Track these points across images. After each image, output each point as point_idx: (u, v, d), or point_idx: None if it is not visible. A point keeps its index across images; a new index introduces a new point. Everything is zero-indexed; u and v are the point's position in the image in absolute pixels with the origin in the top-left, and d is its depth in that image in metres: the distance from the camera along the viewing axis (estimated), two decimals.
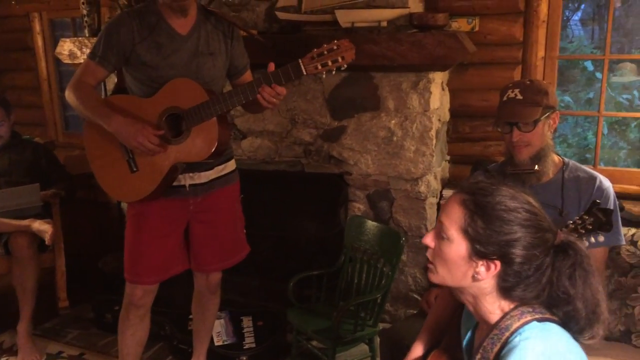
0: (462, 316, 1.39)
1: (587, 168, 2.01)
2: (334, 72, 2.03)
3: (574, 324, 1.16)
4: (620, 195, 2.01)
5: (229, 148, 2.35)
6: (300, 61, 2.01)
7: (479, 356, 1.19)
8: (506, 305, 1.19)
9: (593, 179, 1.94)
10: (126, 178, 2.18)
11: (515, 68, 3.01)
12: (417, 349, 1.60)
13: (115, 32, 2.11)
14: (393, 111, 2.88)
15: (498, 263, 1.16)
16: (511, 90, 1.93)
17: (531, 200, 1.20)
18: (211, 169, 2.26)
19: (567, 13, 2.86)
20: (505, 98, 1.94)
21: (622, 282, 2.09)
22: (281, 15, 2.93)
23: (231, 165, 2.37)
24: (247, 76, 2.34)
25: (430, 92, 2.80)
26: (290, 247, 3.26)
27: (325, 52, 2.00)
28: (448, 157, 3.24)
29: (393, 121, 2.89)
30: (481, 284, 1.19)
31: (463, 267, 1.19)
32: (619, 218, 1.93)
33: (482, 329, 1.24)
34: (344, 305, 2.48)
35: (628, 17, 5.31)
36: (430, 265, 1.25)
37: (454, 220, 1.19)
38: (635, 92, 5.26)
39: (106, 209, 3.99)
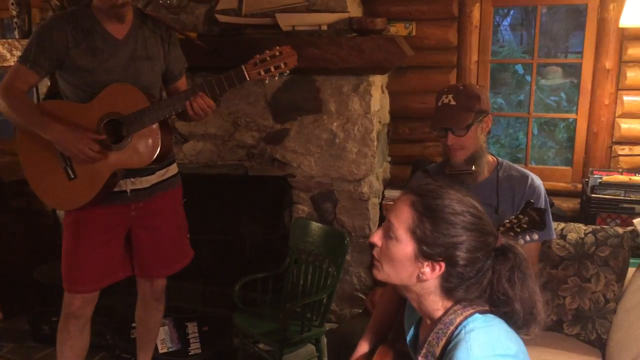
0: (404, 312, 1.44)
1: (520, 167, 2.11)
2: (276, 78, 2.06)
3: (512, 324, 1.22)
4: (550, 192, 2.13)
5: (170, 152, 2.32)
6: (243, 67, 2.02)
7: (424, 351, 1.22)
8: (449, 303, 1.23)
9: (525, 177, 2.04)
10: (64, 186, 2.11)
11: (450, 71, 3.13)
12: (363, 346, 1.64)
13: (48, 36, 2.04)
14: (335, 114, 2.92)
15: (443, 264, 1.19)
16: (445, 95, 1.99)
17: (476, 204, 1.24)
18: (153, 173, 2.22)
19: (497, 19, 3.00)
20: (440, 103, 2.00)
21: (553, 274, 2.21)
22: (221, 18, 2.92)
23: (173, 170, 2.34)
24: (182, 81, 2.32)
25: (371, 95, 2.87)
26: (234, 251, 3.25)
27: (268, 58, 2.02)
28: (389, 158, 3.31)
29: (335, 123, 2.93)
30: (425, 283, 1.22)
31: (409, 267, 1.22)
32: (550, 214, 2.04)
33: (426, 324, 1.28)
34: (290, 306, 2.49)
35: (553, 22, 5.60)
36: (377, 263, 1.27)
37: (403, 221, 1.22)
38: (563, 94, 5.55)
39: (41, 216, 3.83)
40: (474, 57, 3.10)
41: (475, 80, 3.12)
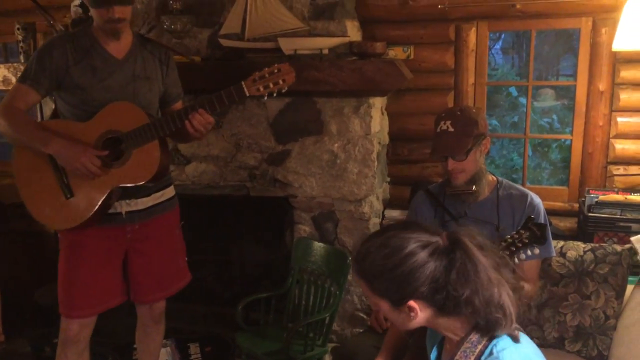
0: (426, 332, 1.45)
1: (519, 186, 2.16)
2: (275, 95, 2.10)
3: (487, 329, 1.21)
4: (548, 212, 2.17)
5: (168, 174, 2.35)
6: (242, 83, 2.06)
7: None
8: (458, 321, 1.24)
9: (525, 195, 2.09)
10: (60, 204, 2.12)
11: (448, 93, 3.19)
12: None
13: (48, 55, 2.08)
14: (336, 135, 2.97)
15: (414, 303, 1.21)
16: (443, 122, 2.03)
17: (402, 232, 1.24)
18: (148, 195, 2.24)
19: (489, 43, 3.08)
20: (438, 129, 2.04)
21: (554, 291, 2.24)
22: (224, 42, 2.98)
23: (169, 192, 2.35)
24: (178, 105, 2.35)
25: (371, 117, 2.92)
26: (236, 272, 3.27)
27: (267, 75, 2.07)
28: (388, 179, 3.36)
29: (336, 144, 2.98)
30: (421, 318, 1.24)
31: (398, 317, 1.27)
32: (549, 231, 2.09)
33: (450, 342, 1.30)
34: (293, 326, 2.51)
35: (544, 45, 5.73)
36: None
37: (365, 290, 1.29)
38: (555, 116, 5.66)
39: (42, 238, 3.84)
40: (471, 80, 3.17)
41: (472, 102, 3.19)
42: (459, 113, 2.04)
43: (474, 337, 1.22)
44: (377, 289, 1.24)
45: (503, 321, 1.19)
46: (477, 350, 1.21)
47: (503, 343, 1.20)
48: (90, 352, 2.89)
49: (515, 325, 1.23)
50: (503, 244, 1.77)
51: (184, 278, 2.45)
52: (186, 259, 2.46)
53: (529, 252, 1.80)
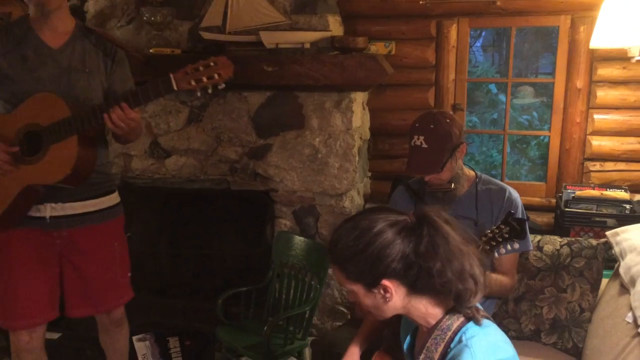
0: (400, 321, 1.47)
1: (497, 181, 2.18)
2: (210, 90, 1.90)
3: (457, 300, 1.23)
4: (526, 207, 2.19)
5: (107, 180, 2.20)
6: (171, 75, 1.87)
7: (422, 356, 1.26)
8: (431, 303, 1.26)
9: (503, 190, 2.11)
10: None
11: (429, 89, 3.21)
12: (353, 350, 1.68)
13: None
14: (317, 129, 2.98)
15: (387, 282, 1.23)
16: (417, 136, 2.00)
17: (370, 214, 1.27)
18: (79, 200, 2.08)
19: (470, 40, 3.11)
20: (412, 144, 2.02)
21: (530, 284, 2.28)
22: (205, 35, 2.96)
23: (110, 200, 2.19)
24: None
25: (352, 112, 2.93)
26: (216, 266, 3.26)
27: (201, 68, 1.87)
28: (369, 174, 3.38)
29: (317, 139, 2.98)
30: (396, 300, 1.26)
31: (377, 301, 1.27)
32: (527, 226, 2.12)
33: (422, 331, 1.32)
34: (273, 320, 2.51)
35: (523, 43, 5.79)
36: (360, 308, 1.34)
37: (339, 277, 1.30)
38: (534, 113, 5.72)
39: None
40: (452, 76, 3.20)
41: (452, 98, 3.22)
42: (432, 127, 2.00)
43: (445, 323, 1.25)
44: (351, 272, 1.26)
45: (475, 290, 1.22)
46: (447, 337, 1.23)
47: (472, 330, 1.22)
48: (66, 348, 2.84)
49: (481, 309, 1.27)
50: (483, 238, 1.79)
51: (123, 296, 2.27)
52: (129, 274, 2.30)
53: (508, 247, 1.82)
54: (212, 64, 1.87)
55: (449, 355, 1.21)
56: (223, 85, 1.90)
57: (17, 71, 1.98)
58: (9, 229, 2.03)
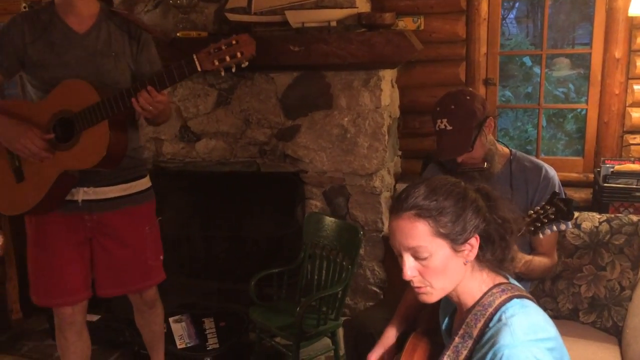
0: (439, 302, 1.44)
1: (533, 158, 2.11)
2: (233, 70, 1.88)
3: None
4: (562, 183, 2.12)
5: (139, 164, 2.22)
6: (194, 56, 1.86)
7: (461, 331, 1.24)
8: (483, 277, 1.26)
9: (539, 168, 2.04)
10: (12, 188, 2.04)
11: (460, 64, 3.14)
12: (391, 332, 1.66)
13: (6, 34, 2.01)
14: (345, 109, 2.94)
15: (476, 236, 1.23)
16: (440, 120, 1.95)
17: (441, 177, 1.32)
18: (111, 185, 2.11)
19: (502, 12, 3.01)
20: (437, 128, 1.97)
21: (568, 263, 2.22)
22: (231, 16, 2.94)
23: (141, 185, 2.21)
24: None
25: (381, 90, 2.88)
26: (248, 248, 3.28)
27: (224, 47, 1.85)
28: (399, 152, 3.33)
29: (346, 119, 2.95)
30: (467, 267, 1.25)
31: (455, 263, 1.23)
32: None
33: (462, 311, 1.30)
34: (306, 300, 2.51)
35: (559, 14, 5.60)
36: (424, 289, 1.25)
37: (423, 235, 1.21)
38: (571, 85, 5.55)
39: None
40: (483, 50, 3.11)
41: (484, 73, 3.13)
42: (452, 107, 1.94)
43: (487, 300, 1.23)
44: (443, 226, 1.20)
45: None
46: (488, 313, 1.21)
47: (513, 309, 1.19)
48: (106, 328, 2.93)
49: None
50: (527, 219, 1.71)
51: (155, 277, 2.29)
52: (161, 257, 2.32)
53: (554, 228, 1.73)
54: (234, 42, 1.85)
55: (488, 334, 1.18)
56: (246, 63, 1.87)
57: (45, 57, 2.00)
58: (49, 213, 2.08)
